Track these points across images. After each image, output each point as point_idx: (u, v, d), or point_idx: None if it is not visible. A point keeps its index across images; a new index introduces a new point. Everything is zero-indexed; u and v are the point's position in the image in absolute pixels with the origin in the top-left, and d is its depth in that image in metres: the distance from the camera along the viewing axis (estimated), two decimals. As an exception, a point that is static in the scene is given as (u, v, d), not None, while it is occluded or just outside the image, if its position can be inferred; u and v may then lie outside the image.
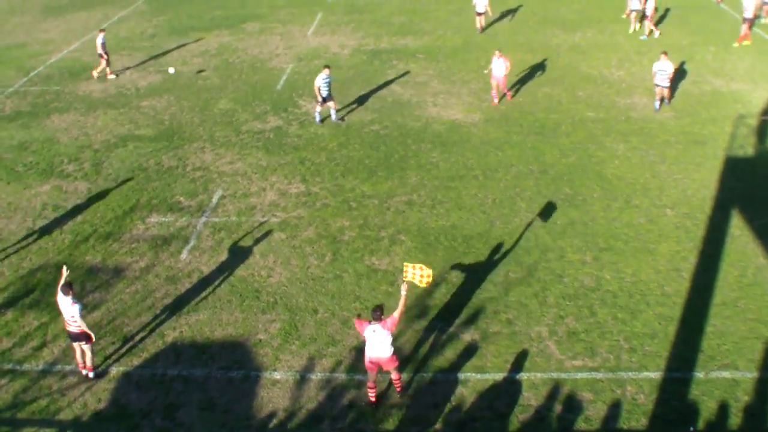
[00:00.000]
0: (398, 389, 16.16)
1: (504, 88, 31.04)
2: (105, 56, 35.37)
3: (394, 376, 15.93)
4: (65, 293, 16.30)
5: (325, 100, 28.95)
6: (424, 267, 15.84)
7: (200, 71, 36.07)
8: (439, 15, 44.17)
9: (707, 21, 40.96)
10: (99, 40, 34.98)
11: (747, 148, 26.62)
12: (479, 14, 40.55)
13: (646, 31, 38.52)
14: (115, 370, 17.30)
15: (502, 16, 43.35)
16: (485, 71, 31.89)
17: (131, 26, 44.78)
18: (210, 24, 44.50)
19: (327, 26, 43.16)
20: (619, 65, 34.80)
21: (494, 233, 21.93)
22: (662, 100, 29.76)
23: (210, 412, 16.04)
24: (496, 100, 31.04)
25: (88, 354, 16.79)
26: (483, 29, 41.19)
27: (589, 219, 22.45)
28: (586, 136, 27.64)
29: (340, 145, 27.77)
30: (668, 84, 29.07)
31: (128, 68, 37.23)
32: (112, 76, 36.08)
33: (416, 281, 15.76)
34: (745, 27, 36.58)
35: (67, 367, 17.41)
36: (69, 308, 16.27)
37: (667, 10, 42.72)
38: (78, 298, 16.74)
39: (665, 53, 28.95)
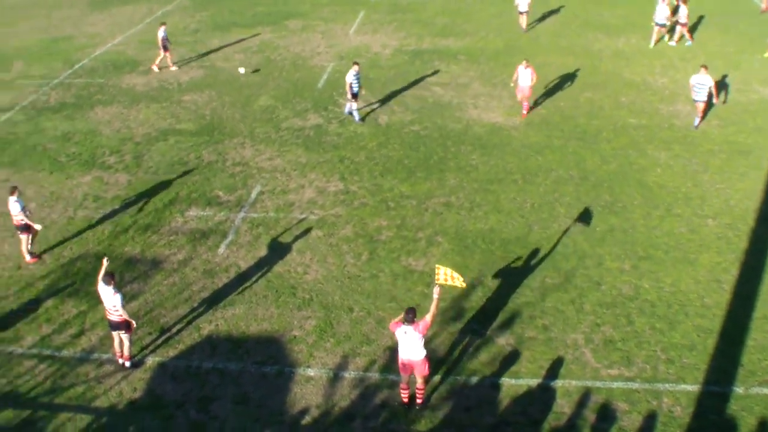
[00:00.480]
0: (419, 399, 15.95)
1: (526, 102, 30.10)
2: (165, 49, 35.91)
3: (419, 384, 15.74)
4: (107, 283, 16.46)
5: (355, 96, 29.25)
6: (455, 274, 15.77)
7: (255, 70, 36.21)
8: (482, 17, 43.99)
9: (753, 28, 40.32)
10: (160, 34, 35.57)
11: (792, 159, 26.24)
12: (522, 13, 40.70)
13: (676, 38, 37.91)
14: (151, 361, 17.45)
15: (545, 18, 43.06)
16: (511, 84, 31.00)
17: (175, 21, 45.07)
18: (252, 20, 44.70)
19: (369, 25, 43.17)
20: (663, 72, 34.43)
21: (532, 238, 21.80)
22: (703, 115, 28.58)
23: (244, 406, 16.11)
24: (525, 112, 30.16)
25: (126, 343, 16.95)
26: (527, 28, 41.26)
27: (629, 227, 22.24)
28: (628, 143, 27.39)
29: (380, 145, 27.77)
30: (706, 99, 27.87)
31: (179, 62, 37.50)
32: (174, 68, 36.59)
33: (450, 283, 15.68)
34: None
35: (104, 356, 17.59)
36: (111, 298, 16.42)
37: (704, 18, 42.17)
38: (118, 287, 16.87)
39: (705, 67, 27.74)
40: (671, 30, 38.45)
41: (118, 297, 16.42)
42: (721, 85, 31.90)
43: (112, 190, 24.98)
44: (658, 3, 37.62)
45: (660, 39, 37.89)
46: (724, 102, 30.36)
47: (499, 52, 37.78)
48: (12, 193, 20.75)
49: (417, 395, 15.91)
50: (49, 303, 19.56)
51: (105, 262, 17.25)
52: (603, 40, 38.99)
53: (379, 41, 40.18)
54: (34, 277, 20.67)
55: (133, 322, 16.90)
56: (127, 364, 17.16)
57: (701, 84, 27.51)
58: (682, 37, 37.89)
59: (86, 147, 28.27)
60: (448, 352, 17.48)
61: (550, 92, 32.26)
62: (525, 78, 29.36)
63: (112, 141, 28.77)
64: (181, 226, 22.88)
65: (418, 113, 30.61)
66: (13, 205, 20.66)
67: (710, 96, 27.90)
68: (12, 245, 22.17)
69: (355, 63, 29.12)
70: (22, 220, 20.70)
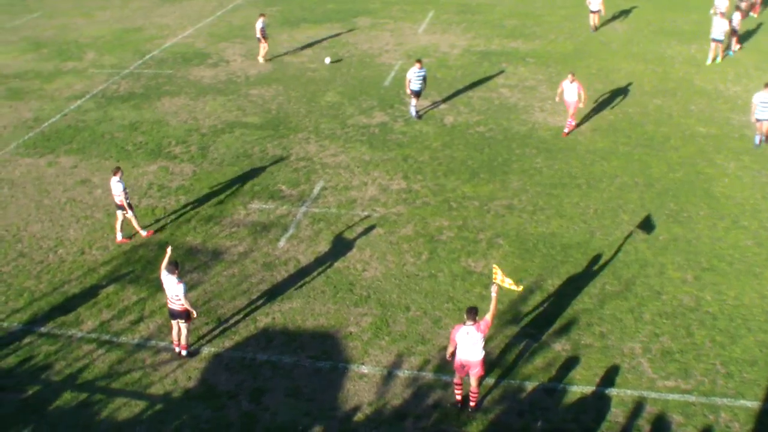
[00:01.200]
0: (472, 402, 15.87)
1: (572, 116, 28.52)
2: (264, 40, 36.37)
3: (473, 386, 15.67)
4: (171, 272, 16.68)
5: (415, 94, 29.28)
6: (509, 280, 15.68)
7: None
8: (552, 19, 43.61)
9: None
10: (259, 25, 36.03)
11: None
12: (593, 12, 40.61)
13: (734, 48, 37.03)
14: (207, 351, 17.66)
15: (617, 24, 42.50)
16: (556, 99, 29.64)
17: (245, 15, 45.57)
18: (322, 17, 44.97)
19: (438, 25, 43.11)
20: (735, 80, 33.73)
21: (594, 244, 21.55)
22: (766, 136, 27.10)
23: (295, 399, 16.21)
24: (567, 130, 28.65)
25: (184, 332, 17.18)
26: (597, 28, 41.10)
27: (693, 237, 21.84)
28: (696, 152, 26.89)
29: (444, 145, 27.71)
30: None
31: (247, 55, 37.91)
32: (263, 61, 37.02)
33: (506, 285, 15.58)
34: None
35: (161, 344, 17.86)
36: (174, 287, 16.65)
37: (759, 20, 41.31)
38: (181, 277, 17.10)
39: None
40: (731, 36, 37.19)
41: (181, 286, 16.63)
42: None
43: (176, 180, 25.36)
44: (714, 17, 36.38)
45: (716, 56, 36.02)
46: None
47: (568, 55, 37.40)
48: (115, 174, 21.51)
49: (471, 398, 15.84)
50: (110, 289, 19.93)
51: (169, 250, 17.49)
52: (675, 47, 38.34)
53: (447, 41, 40.09)
54: (97, 263, 21.08)
55: (194, 312, 17.11)
56: (184, 353, 17.39)
57: (765, 102, 26.31)
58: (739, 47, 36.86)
59: (153, 137, 28.73)
60: (504, 355, 17.37)
61: (618, 98, 31.83)
62: (571, 93, 27.98)
63: (178, 131, 29.21)
64: (242, 219, 23.11)
65: (483, 114, 30.47)
66: (116, 185, 21.36)
67: None
68: (77, 231, 22.67)
69: (418, 61, 29.15)
70: (122, 200, 21.41)
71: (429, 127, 29.29)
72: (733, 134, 28.26)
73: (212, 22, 44.38)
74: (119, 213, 21.84)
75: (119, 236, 22.08)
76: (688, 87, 33.10)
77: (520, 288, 15.85)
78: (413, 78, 28.76)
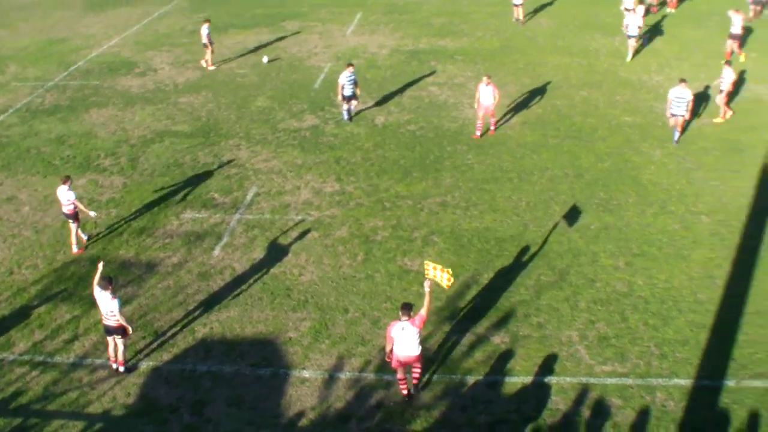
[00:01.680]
0: (415, 382, 16.13)
1: (492, 119, 28.38)
2: (210, 45, 36.23)
3: (416, 368, 15.98)
4: (104, 288, 16.45)
5: (347, 98, 29.13)
6: (445, 268, 15.80)
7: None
8: (478, 17, 43.99)
9: (746, 27, 40.37)
10: (204, 30, 35.83)
11: (787, 155, 26.27)
12: (517, 6, 41.81)
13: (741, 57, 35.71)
14: (145, 365, 17.45)
15: (542, 19, 43.07)
16: (475, 105, 28.51)
17: (171, 22, 45.17)
18: (250, 22, 44.73)
19: (366, 26, 43.21)
20: (658, 70, 34.43)
21: (527, 236, 21.83)
22: (680, 130, 27.18)
23: (238, 408, 16.13)
24: (478, 133, 28.25)
25: (121, 348, 16.96)
26: (523, 22, 42.14)
27: (624, 224, 22.27)
28: (623, 141, 27.41)
29: (376, 145, 27.79)
30: (685, 113, 26.67)
31: (175, 64, 37.55)
32: (212, 68, 36.82)
33: (438, 280, 15.72)
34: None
35: (98, 361, 17.59)
36: (108, 303, 16.41)
37: (701, 18, 42.17)
38: (114, 292, 16.84)
39: (684, 81, 26.64)
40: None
41: (115, 302, 16.41)
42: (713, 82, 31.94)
43: (107, 193, 25.01)
44: (626, 15, 36.59)
45: (636, 52, 36.19)
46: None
47: (496, 52, 37.79)
48: (65, 182, 21.28)
49: (413, 377, 16.10)
50: (42, 308, 19.53)
51: (100, 266, 17.27)
52: (599, 40, 39.00)
53: (376, 42, 40.21)
54: (27, 283, 20.66)
55: (130, 328, 16.88)
56: (122, 369, 17.17)
57: (680, 98, 26.45)
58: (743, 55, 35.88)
59: (81, 150, 28.29)
60: (444, 351, 17.51)
61: (546, 91, 32.28)
62: (487, 96, 27.48)
63: (107, 143, 28.80)
64: (176, 229, 22.90)
65: (414, 113, 30.63)
66: (67, 194, 21.13)
67: (687, 110, 26.63)
68: (4, 250, 22.22)
69: (350, 64, 29.18)
70: (71, 209, 21.25)
71: (360, 128, 29.35)
72: (657, 123, 28.84)
73: (138, 30, 43.85)
74: (72, 226, 21.73)
75: (75, 248, 21.83)
76: (613, 78, 33.71)
77: (451, 281, 15.91)
78: (346, 83, 28.70)
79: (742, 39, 35.46)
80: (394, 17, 44.70)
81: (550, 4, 45.76)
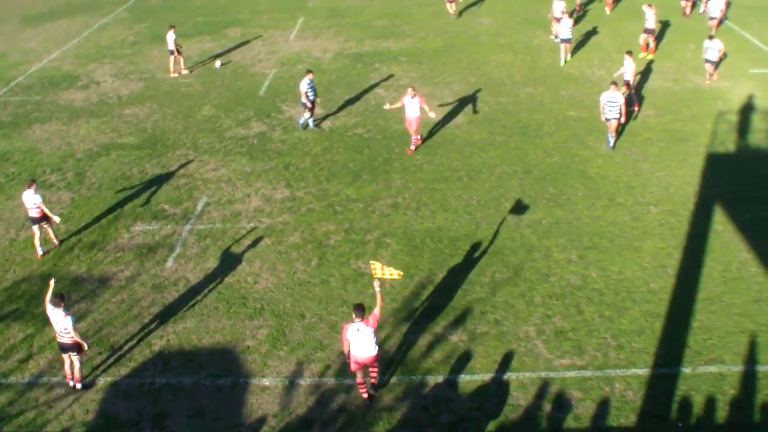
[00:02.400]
0: (373, 382, 16.21)
1: (416, 133, 26.93)
2: (178, 52, 36.34)
3: (372, 369, 16.01)
4: (56, 305, 16.21)
5: (310, 105, 28.71)
6: (390, 269, 15.91)
7: (225, 63, 37.79)
8: (421, 18, 44.19)
9: (684, 19, 41.16)
10: (170, 37, 35.67)
11: (728, 144, 26.78)
12: (450, 1, 43.12)
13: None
14: (103, 381, 17.22)
15: (484, 18, 43.39)
16: (385, 106, 28.12)
17: (112, 34, 44.63)
18: (192, 30, 44.36)
19: (309, 30, 43.13)
20: (600, 64, 34.91)
21: (480, 234, 21.96)
22: (615, 134, 26.65)
23: (199, 419, 16.00)
24: (413, 147, 27.10)
25: (77, 365, 16.71)
26: (458, 15, 43.49)
27: (574, 218, 22.53)
28: (569, 136, 27.73)
29: (324, 150, 27.76)
30: (619, 116, 26.03)
31: (118, 75, 37.09)
32: (186, 71, 37.12)
33: (387, 276, 15.80)
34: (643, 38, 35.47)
35: (54, 379, 17.31)
36: (61, 320, 16.17)
37: (617, 8, 42.82)
38: (68, 309, 16.58)
39: (615, 83, 26.15)
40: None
41: (68, 319, 16.17)
42: (658, 75, 32.49)
43: (55, 209, 24.51)
44: (562, 19, 35.52)
45: (567, 55, 35.52)
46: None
47: (440, 51, 37.99)
48: (30, 186, 21.57)
49: (371, 376, 16.15)
50: (-6, 328, 19.23)
51: (52, 283, 17.02)
52: (541, 36, 39.42)
53: (319, 46, 40.16)
54: (-22, 302, 20.32)
55: (85, 345, 16.65)
56: (79, 386, 16.92)
57: (612, 102, 25.88)
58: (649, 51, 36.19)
59: (26, 166, 27.82)
60: (402, 352, 17.54)
61: (491, 89, 32.53)
62: (413, 109, 26.08)
63: (52, 159, 28.35)
64: (127, 242, 22.63)
65: (361, 116, 30.66)
66: (33, 197, 21.46)
67: (621, 113, 26.01)
68: (-46, 271, 21.80)
69: (309, 72, 28.75)
70: (40, 211, 21.52)
71: (308, 133, 29.29)
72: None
73: (79, 43, 43.24)
74: (35, 228, 21.83)
75: (39, 251, 22.07)
76: (556, 74, 34.09)
77: (400, 275, 16.01)
78: (308, 90, 28.21)
79: (656, 33, 35.92)
80: (337, 21, 44.69)
81: (490, 1, 46.13)
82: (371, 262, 16.26)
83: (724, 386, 16.03)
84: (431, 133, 28.51)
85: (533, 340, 17.68)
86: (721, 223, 21.96)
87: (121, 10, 50.46)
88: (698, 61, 34.41)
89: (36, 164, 27.98)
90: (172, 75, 36.57)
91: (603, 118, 26.45)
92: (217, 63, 37.56)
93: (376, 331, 15.45)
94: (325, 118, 30.62)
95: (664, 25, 39.63)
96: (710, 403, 15.64)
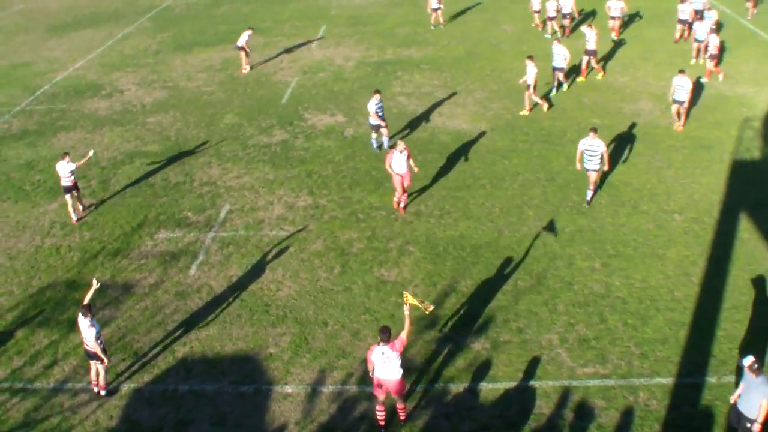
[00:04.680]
0: (402, 418, 15.85)
1: (405, 191, 23.73)
2: (246, 50, 37.94)
3: (399, 405, 15.69)
4: (84, 315, 16.23)
5: (375, 127, 27.67)
6: (426, 302, 15.90)
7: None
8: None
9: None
10: (243, 36, 37.72)
11: (753, 151, 26.59)
12: (434, 10, 43.80)
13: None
14: (126, 387, 17.30)
15: (507, 26, 43.36)
16: (387, 167, 23.52)
17: (136, 43, 44.94)
18: (214, 39, 44.62)
19: (331, 39, 43.26)
20: (623, 71, 34.80)
21: (502, 242, 21.91)
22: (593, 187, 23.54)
23: (221, 427, 16.03)
24: (402, 205, 23.97)
25: (102, 372, 16.79)
26: (443, 24, 44.33)
27: (597, 226, 22.43)
28: (592, 143, 27.61)
29: (347, 158, 27.80)
30: (599, 166, 23.06)
31: (141, 83, 37.36)
32: (246, 70, 38.51)
33: (417, 304, 15.50)
34: (586, 60, 33.91)
35: (78, 385, 17.42)
36: (85, 330, 16.24)
37: (663, 18, 42.64)
38: (93, 319, 16.56)
39: (594, 130, 23.03)
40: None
41: (92, 331, 16.18)
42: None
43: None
44: (554, 45, 32.34)
45: (560, 84, 33.09)
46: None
47: (461, 59, 38.00)
48: (64, 158, 23.91)
49: (399, 414, 15.83)
50: (19, 334, 19.28)
51: (95, 283, 17.02)
52: (563, 43, 39.19)
53: (341, 54, 40.27)
54: (3, 309, 20.40)
55: (105, 359, 16.60)
56: (103, 392, 17.00)
57: (592, 150, 22.97)
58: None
59: (51, 174, 27.97)
60: (425, 360, 17.51)
61: (513, 97, 32.46)
62: (400, 165, 23.15)
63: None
64: (150, 249, 22.75)
65: (383, 124, 30.67)
66: (68, 166, 23.81)
67: (603, 161, 23.23)
68: (-20, 278, 22.01)
69: (377, 92, 27.46)
70: (74, 179, 24.10)
71: (330, 141, 29.36)
72: (625, 123, 29.12)
73: (103, 52, 43.58)
74: (68, 197, 24.16)
75: (74, 217, 24.40)
76: (579, 81, 33.95)
77: (431, 308, 15.97)
78: (376, 109, 27.03)
79: (597, 54, 34.38)
80: (359, 29, 44.81)
81: (512, 9, 46.07)
82: (404, 292, 15.80)
83: (750, 396, 15.89)
84: (454, 141, 28.47)
85: (556, 349, 17.60)
86: (746, 231, 21.81)
87: (145, 20, 50.82)
88: (722, 67, 34.22)
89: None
90: (245, 70, 38.40)
91: (578, 166, 23.86)
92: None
93: (402, 355, 15.06)
94: (344, 126, 30.66)
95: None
96: (735, 412, 15.50)
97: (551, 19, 40.33)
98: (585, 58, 33.88)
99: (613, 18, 39.04)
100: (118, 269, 21.85)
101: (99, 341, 16.36)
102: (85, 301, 16.59)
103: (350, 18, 47.34)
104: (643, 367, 16.85)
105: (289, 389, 16.97)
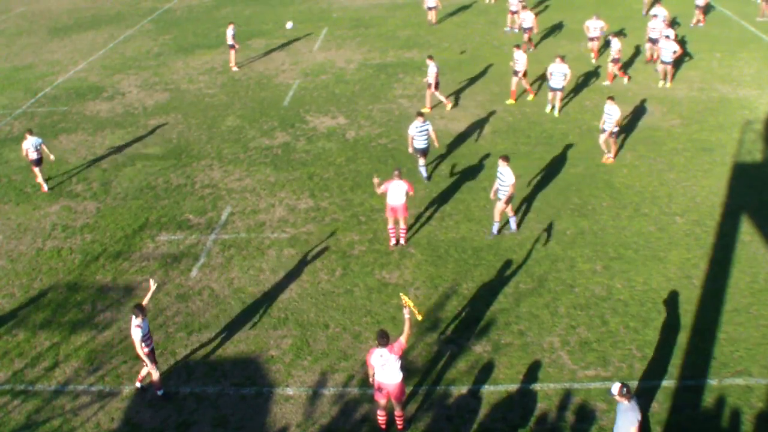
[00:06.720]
0: (400, 426, 15.75)
1: (403, 225, 22.14)
2: (235, 47, 38.57)
3: (397, 412, 15.59)
4: (136, 315, 15.96)
5: (420, 151, 25.39)
6: (416, 309, 15.82)
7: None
8: (444, 27, 44.27)
9: (711, 28, 40.98)
10: (230, 32, 38.02)
11: (755, 154, 26.59)
12: (430, 9, 44.70)
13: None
14: (128, 389, 17.29)
15: (504, 25, 43.38)
16: (378, 189, 21.69)
17: (137, 45, 44.97)
18: (216, 41, 44.63)
19: (332, 41, 43.29)
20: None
21: (504, 244, 21.91)
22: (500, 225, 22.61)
23: (223, 429, 16.02)
24: (393, 241, 22.27)
25: (154, 375, 16.66)
26: (436, 23, 45.20)
27: (599, 228, 22.43)
28: (593, 146, 27.58)
29: (348, 160, 27.81)
30: (508, 197, 21.66)
31: (142, 86, 37.38)
32: (236, 68, 39.15)
33: (413, 308, 15.47)
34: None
35: (80, 387, 17.41)
36: (132, 330, 16.00)
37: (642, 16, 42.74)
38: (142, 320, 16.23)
39: (505, 158, 21.83)
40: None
41: (137, 331, 15.95)
42: (686, 84, 32.29)
43: (80, 219, 24.81)
44: (553, 64, 30.64)
45: (554, 105, 31.33)
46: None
47: (463, 61, 38.00)
48: (30, 133, 26.21)
49: (397, 423, 15.74)
50: (20, 336, 19.29)
51: (152, 284, 17.00)
52: (566, 46, 39.35)
53: (343, 56, 40.28)
54: (4, 311, 20.41)
55: (145, 362, 16.41)
56: (159, 392, 16.91)
57: (502, 180, 21.59)
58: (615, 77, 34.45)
59: (52, 176, 28.04)
60: (426, 362, 17.50)
61: (515, 99, 32.44)
62: (397, 195, 21.40)
63: (78, 169, 28.58)
64: (152, 252, 22.75)
65: (385, 126, 30.69)
66: (34, 140, 26.21)
67: (510, 192, 21.48)
68: (-18, 280, 22.02)
69: (420, 114, 24.98)
70: (39, 153, 26.37)
71: (332, 143, 29.37)
72: (627, 125, 29.11)
73: (104, 54, 43.61)
74: (36, 169, 26.56)
75: (45, 187, 26.92)
76: (581, 84, 33.96)
77: (420, 317, 15.96)
78: (416, 134, 24.96)
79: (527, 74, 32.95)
80: (360, 31, 44.84)
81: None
82: (401, 294, 15.96)
83: (752, 399, 15.86)
84: (456, 144, 28.48)
85: (557, 351, 17.59)
86: (747, 234, 21.80)
87: (146, 22, 50.85)
88: (725, 70, 34.29)
89: (62, 174, 28.19)
90: (235, 68, 39.08)
91: (491, 196, 22.66)
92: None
93: (401, 358, 14.95)
94: (346, 128, 30.68)
95: (690, 34, 39.46)
96: (736, 416, 15.48)
97: (513, 13, 42.29)
98: (514, 80, 32.09)
99: (591, 39, 37.03)
100: (120, 271, 21.85)
101: (145, 343, 16.12)
102: (144, 302, 16.50)
103: (352, 20, 47.37)
104: (644, 369, 16.83)
105: (290, 391, 16.96)
